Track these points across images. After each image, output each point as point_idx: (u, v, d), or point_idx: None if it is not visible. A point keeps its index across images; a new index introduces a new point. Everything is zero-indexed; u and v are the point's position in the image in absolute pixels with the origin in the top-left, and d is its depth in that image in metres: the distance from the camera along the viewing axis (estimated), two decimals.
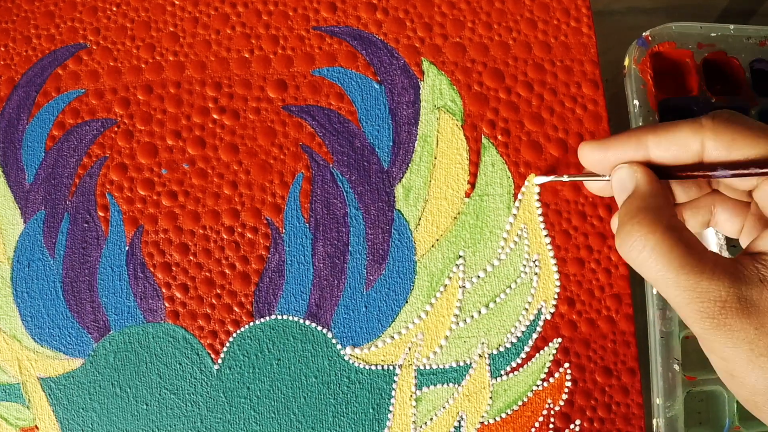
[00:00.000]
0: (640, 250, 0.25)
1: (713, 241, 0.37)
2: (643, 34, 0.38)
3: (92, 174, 0.35)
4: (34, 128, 0.35)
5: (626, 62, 0.38)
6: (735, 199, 0.30)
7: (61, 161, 0.35)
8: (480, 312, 0.34)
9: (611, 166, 0.29)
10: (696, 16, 0.39)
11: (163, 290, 0.34)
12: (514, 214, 0.35)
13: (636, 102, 0.37)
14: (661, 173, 0.28)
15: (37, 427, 0.34)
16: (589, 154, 0.29)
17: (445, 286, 0.34)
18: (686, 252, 0.24)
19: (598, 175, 0.30)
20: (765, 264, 0.25)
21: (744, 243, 0.30)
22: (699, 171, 0.26)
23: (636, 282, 0.35)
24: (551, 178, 0.33)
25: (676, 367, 0.34)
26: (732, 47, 0.39)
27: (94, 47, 0.36)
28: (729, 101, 0.39)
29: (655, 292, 0.35)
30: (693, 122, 0.26)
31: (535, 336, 0.34)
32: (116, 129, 0.35)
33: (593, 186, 0.31)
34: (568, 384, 0.34)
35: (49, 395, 0.34)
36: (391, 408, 0.34)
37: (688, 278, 0.24)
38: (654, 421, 0.34)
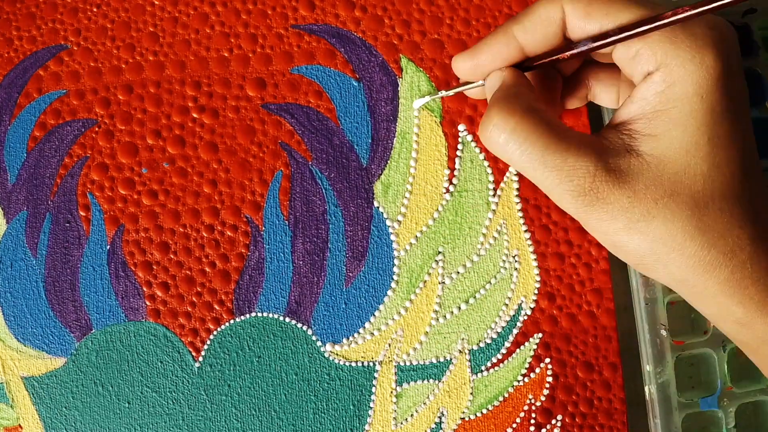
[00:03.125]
0: (500, 133, 0.24)
1: None
2: None
3: (73, 174, 0.35)
4: (15, 129, 0.35)
5: None
6: (607, 68, 0.29)
7: (43, 162, 0.35)
8: (460, 308, 0.34)
9: (485, 73, 0.28)
10: None
11: (144, 289, 0.34)
12: (494, 210, 0.35)
13: None
14: (527, 65, 0.28)
15: (20, 426, 0.34)
16: (461, 65, 0.29)
17: (425, 282, 0.34)
18: (549, 131, 0.24)
19: (472, 83, 0.30)
20: (629, 133, 0.24)
21: None
22: (565, 51, 0.26)
23: (616, 271, 0.35)
24: (427, 98, 0.34)
25: (664, 332, 0.34)
26: None
27: (75, 48, 0.36)
28: None
29: None
30: None
31: (515, 331, 0.34)
32: (97, 129, 0.35)
33: (473, 92, 0.31)
34: (549, 379, 0.34)
35: (33, 394, 0.34)
36: (371, 404, 0.34)
37: (554, 157, 0.23)
38: (646, 388, 0.34)
